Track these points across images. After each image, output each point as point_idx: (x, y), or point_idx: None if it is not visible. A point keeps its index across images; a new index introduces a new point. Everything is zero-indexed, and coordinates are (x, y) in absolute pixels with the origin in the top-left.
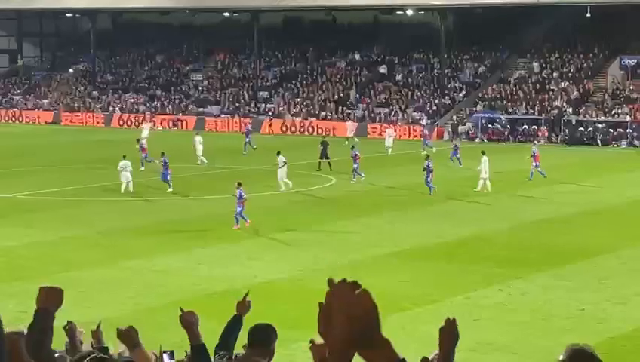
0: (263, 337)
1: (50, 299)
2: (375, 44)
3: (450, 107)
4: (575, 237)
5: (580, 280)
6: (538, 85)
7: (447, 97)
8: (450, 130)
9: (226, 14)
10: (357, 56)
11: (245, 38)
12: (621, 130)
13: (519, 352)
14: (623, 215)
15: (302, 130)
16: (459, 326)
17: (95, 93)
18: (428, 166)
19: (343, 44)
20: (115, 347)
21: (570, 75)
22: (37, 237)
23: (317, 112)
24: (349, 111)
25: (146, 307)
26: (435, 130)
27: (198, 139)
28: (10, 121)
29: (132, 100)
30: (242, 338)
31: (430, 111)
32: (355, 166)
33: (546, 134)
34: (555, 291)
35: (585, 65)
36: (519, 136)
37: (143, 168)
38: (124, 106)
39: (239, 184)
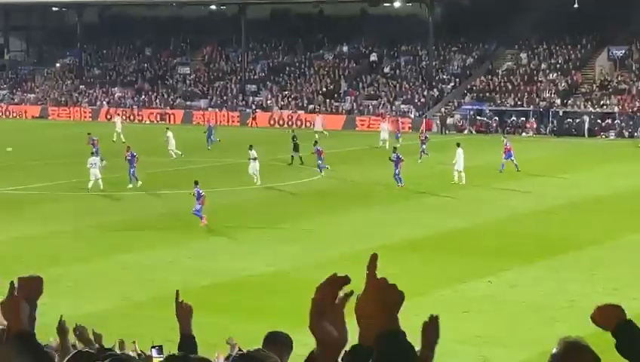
0: (276, 341)
1: (29, 289)
2: (363, 36)
3: (439, 99)
4: (564, 229)
5: (569, 271)
6: (526, 77)
7: (435, 89)
8: (438, 122)
9: (213, 7)
10: (345, 49)
11: (233, 31)
12: (609, 121)
13: (509, 344)
14: (612, 206)
15: (290, 123)
16: (448, 318)
17: (82, 87)
18: (397, 157)
19: (330, 37)
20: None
21: (558, 66)
22: (22, 232)
23: (305, 105)
24: (337, 103)
25: (135, 301)
26: (424, 122)
27: (170, 134)
28: None
29: (119, 94)
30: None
31: (418, 103)
32: (319, 161)
33: (535, 126)
34: (545, 282)
35: (573, 56)
36: (508, 128)
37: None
38: (111, 100)
39: (196, 183)
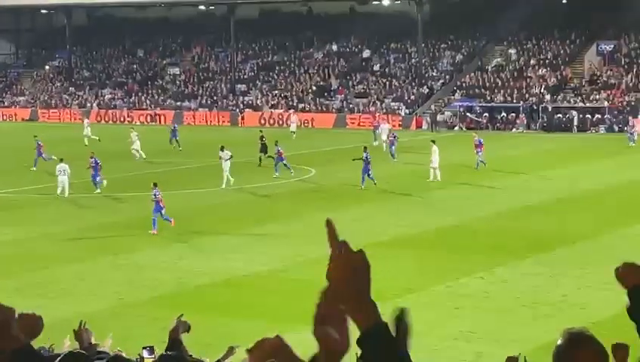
0: None
1: (28, 327)
2: (352, 34)
3: (429, 96)
4: (555, 224)
5: (561, 266)
6: (515, 72)
7: (425, 86)
8: (428, 119)
9: (202, 7)
10: (334, 47)
11: (222, 31)
12: (599, 115)
13: (502, 340)
14: (603, 201)
15: (280, 122)
16: (441, 315)
17: (72, 89)
18: (366, 157)
19: (319, 35)
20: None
21: (547, 61)
22: (13, 235)
23: (295, 104)
24: (327, 102)
25: (129, 302)
26: (414, 119)
27: (135, 134)
28: None
29: (109, 96)
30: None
31: (408, 100)
32: (282, 161)
33: (525, 121)
34: (537, 278)
35: (562, 51)
36: (498, 124)
37: (34, 168)
38: (101, 102)
39: (155, 185)
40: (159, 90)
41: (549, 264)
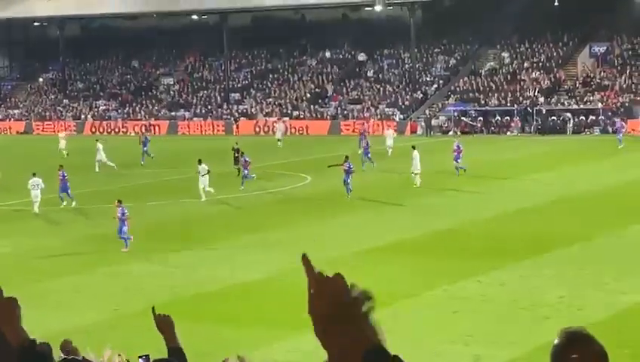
0: None
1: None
2: (345, 41)
3: (423, 101)
4: (551, 226)
5: (557, 268)
6: (509, 76)
7: (419, 92)
8: (423, 124)
9: (195, 17)
10: (327, 54)
11: (215, 40)
12: (593, 117)
13: (500, 342)
14: (598, 202)
15: (275, 130)
16: (439, 319)
17: (66, 101)
18: (349, 167)
19: (313, 43)
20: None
21: (540, 64)
22: (5, 249)
23: (290, 111)
24: (322, 109)
25: (124, 313)
26: (409, 124)
27: (100, 145)
28: None
29: (103, 107)
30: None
31: (403, 106)
32: (245, 172)
33: (519, 124)
34: (534, 280)
35: (555, 54)
36: (492, 128)
37: None
38: (95, 113)
39: (119, 202)
40: (153, 101)
41: (546, 266)
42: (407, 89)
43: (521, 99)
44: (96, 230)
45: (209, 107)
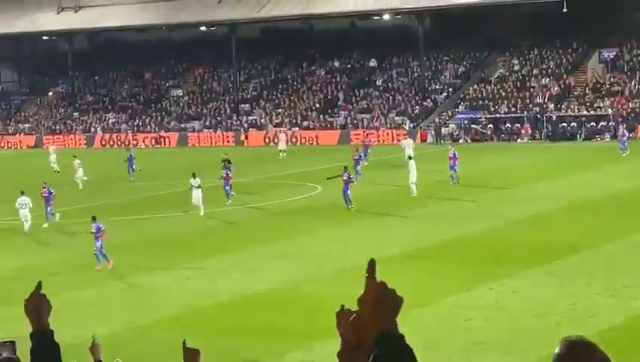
0: None
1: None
2: (354, 50)
3: (432, 109)
4: (562, 233)
5: (569, 275)
6: (519, 83)
7: (428, 100)
8: (433, 132)
9: (203, 28)
10: (336, 64)
11: (224, 52)
12: (604, 123)
13: (513, 350)
14: (609, 208)
15: (277, 141)
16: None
17: (76, 114)
18: (348, 177)
19: (321, 52)
20: None
21: (550, 71)
22: (17, 262)
23: (299, 122)
24: (331, 118)
25: (137, 324)
26: (419, 133)
27: (77, 162)
28: None
29: (113, 120)
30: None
31: (412, 114)
32: (227, 187)
33: (529, 131)
34: (546, 287)
35: (564, 60)
36: (502, 135)
37: None
38: (105, 126)
39: (94, 218)
40: (163, 113)
41: (558, 273)
42: (417, 97)
43: (530, 106)
44: (111, 242)
45: (219, 118)
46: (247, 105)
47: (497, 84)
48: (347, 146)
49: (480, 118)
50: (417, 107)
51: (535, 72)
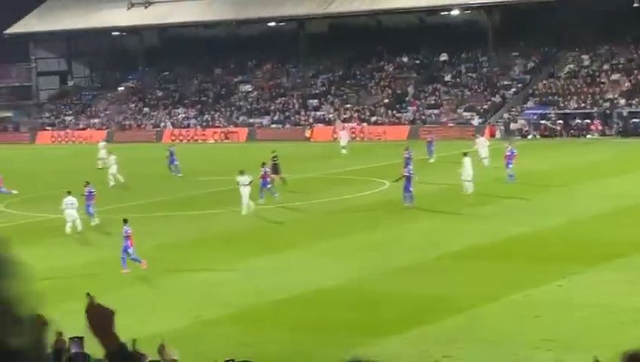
0: None
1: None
2: (422, 45)
3: (501, 105)
4: (632, 230)
5: (638, 273)
6: (589, 78)
7: (497, 95)
8: (502, 128)
9: (272, 24)
10: (405, 59)
11: (292, 47)
12: None
13: (582, 348)
14: None
15: (354, 135)
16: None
17: (146, 109)
18: (409, 173)
19: (389, 48)
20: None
21: (620, 66)
22: (88, 257)
23: (367, 117)
24: (400, 114)
25: (205, 319)
26: (487, 128)
27: (113, 157)
28: (63, 142)
29: (182, 115)
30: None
31: (481, 110)
32: (267, 186)
33: (600, 127)
34: (615, 285)
35: (635, 55)
36: (572, 131)
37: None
38: (175, 121)
39: (125, 221)
40: (232, 108)
41: (626, 270)
42: (486, 93)
43: (601, 101)
44: (176, 237)
45: (287, 113)
46: (316, 100)
47: (567, 80)
48: (415, 141)
49: (549, 113)
50: (486, 103)
51: (605, 67)
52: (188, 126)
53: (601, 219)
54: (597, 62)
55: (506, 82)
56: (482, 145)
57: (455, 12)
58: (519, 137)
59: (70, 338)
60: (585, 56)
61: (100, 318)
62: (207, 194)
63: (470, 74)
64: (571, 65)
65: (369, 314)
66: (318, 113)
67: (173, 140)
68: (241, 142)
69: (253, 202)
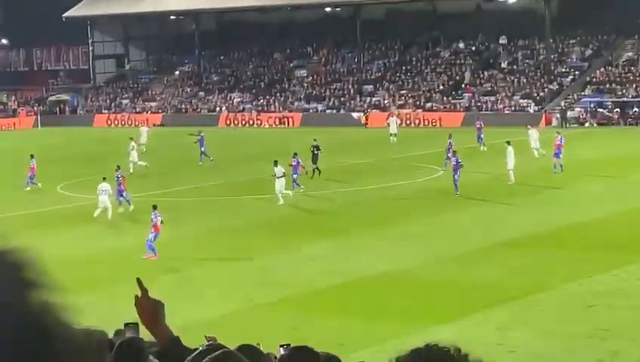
0: None
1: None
2: (479, 32)
3: (558, 92)
4: None
5: None
6: None
7: (554, 83)
8: (558, 115)
9: (328, 9)
10: (461, 45)
11: (347, 33)
12: None
13: (637, 338)
14: None
15: (408, 122)
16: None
17: (201, 93)
18: (457, 162)
19: (446, 34)
20: None
21: None
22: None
23: (423, 104)
24: (455, 101)
25: (259, 303)
26: (543, 116)
27: (132, 144)
28: (119, 126)
29: (238, 100)
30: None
31: (537, 97)
32: (294, 175)
33: None
34: None
35: None
36: (630, 120)
37: (28, 188)
38: (230, 106)
39: (154, 207)
40: (287, 93)
41: None
42: (542, 80)
43: None
44: (230, 222)
45: (342, 99)
46: (371, 86)
47: (625, 68)
48: (471, 128)
49: (607, 101)
50: (543, 90)
51: None
52: (243, 110)
53: None
54: None
55: (563, 69)
56: (533, 136)
57: None
58: (576, 125)
59: (125, 324)
60: None
61: (149, 310)
62: (256, 180)
63: (527, 60)
64: (630, 53)
65: (421, 301)
66: (374, 99)
67: (228, 125)
68: (296, 128)
69: (290, 192)
